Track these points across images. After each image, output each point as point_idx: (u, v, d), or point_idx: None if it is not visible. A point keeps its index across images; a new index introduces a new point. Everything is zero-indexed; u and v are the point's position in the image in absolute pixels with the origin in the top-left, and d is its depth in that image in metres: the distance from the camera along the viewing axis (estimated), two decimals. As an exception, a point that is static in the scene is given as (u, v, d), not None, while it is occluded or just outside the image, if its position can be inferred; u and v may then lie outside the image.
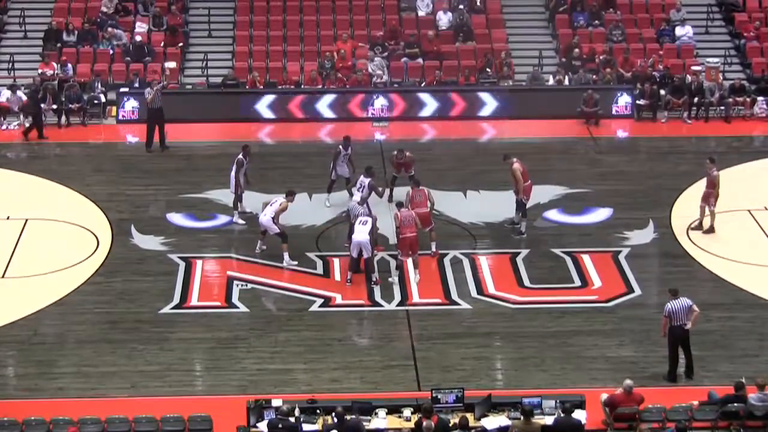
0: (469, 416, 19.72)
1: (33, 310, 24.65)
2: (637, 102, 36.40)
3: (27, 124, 34.56)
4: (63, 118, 35.49)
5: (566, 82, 37.18)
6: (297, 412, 19.82)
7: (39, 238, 27.89)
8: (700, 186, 30.73)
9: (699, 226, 28.07)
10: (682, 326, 21.73)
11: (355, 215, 26.23)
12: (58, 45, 37.99)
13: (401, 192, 27.92)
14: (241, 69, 37.67)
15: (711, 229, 27.92)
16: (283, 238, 26.36)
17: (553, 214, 29.27)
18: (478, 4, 40.25)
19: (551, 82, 37.35)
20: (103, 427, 19.70)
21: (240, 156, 28.50)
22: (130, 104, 35.68)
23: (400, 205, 26.35)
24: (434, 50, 38.55)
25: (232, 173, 28.49)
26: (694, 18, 40.27)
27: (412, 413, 19.92)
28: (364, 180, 27.31)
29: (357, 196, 27.18)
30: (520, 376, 22.43)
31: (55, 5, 39.99)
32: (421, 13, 40.29)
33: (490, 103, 36.18)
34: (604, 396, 20.46)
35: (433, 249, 26.87)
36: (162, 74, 36.73)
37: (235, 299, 25.19)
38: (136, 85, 36.08)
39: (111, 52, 38.07)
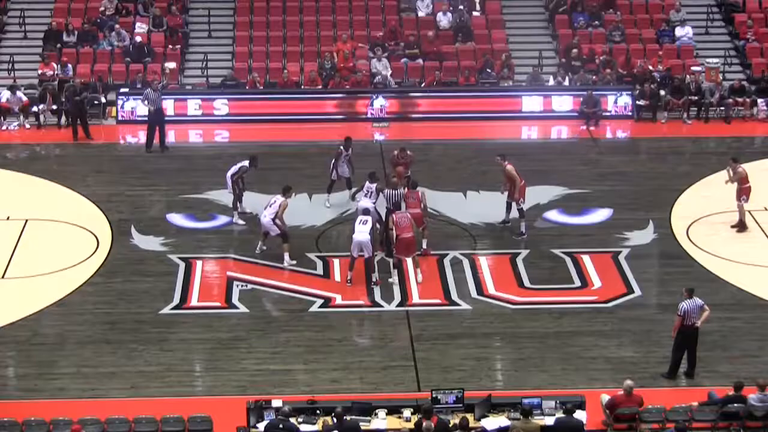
0: (469, 417, 19.71)
1: (33, 310, 24.64)
2: (637, 102, 36.42)
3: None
4: (63, 119, 35.49)
5: (566, 82, 37.20)
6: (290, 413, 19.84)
7: (39, 238, 27.89)
8: (699, 186, 30.87)
9: (739, 225, 28.21)
10: (692, 325, 21.77)
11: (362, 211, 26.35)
12: (58, 45, 37.99)
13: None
14: (241, 70, 37.70)
15: (740, 224, 28.05)
16: (285, 239, 26.36)
17: (553, 215, 29.27)
18: (477, 7, 40.26)
19: (551, 82, 37.37)
20: (103, 427, 19.70)
21: (245, 164, 28.47)
22: (130, 105, 35.70)
23: (397, 206, 26.38)
24: (434, 51, 38.56)
25: (229, 173, 28.46)
26: (694, 18, 40.28)
27: (412, 414, 19.92)
28: (371, 186, 27.20)
29: (367, 202, 26.98)
30: (520, 376, 22.43)
31: (55, 5, 40.00)
32: (421, 14, 40.31)
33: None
34: (605, 398, 20.47)
35: (424, 246, 26.83)
36: (162, 75, 36.74)
37: (235, 300, 25.19)
38: (139, 85, 36.08)
39: (110, 49, 38.06)
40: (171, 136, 34.38)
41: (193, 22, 40.24)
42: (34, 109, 35.43)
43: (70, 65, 37.08)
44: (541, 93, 36.64)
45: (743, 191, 27.96)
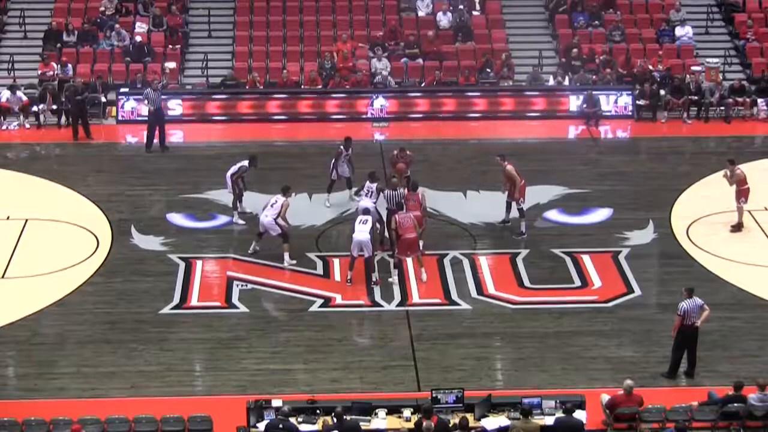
0: (469, 416, 19.72)
1: (33, 310, 24.64)
2: (637, 102, 36.42)
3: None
4: (63, 119, 35.50)
5: (566, 82, 37.20)
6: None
7: (39, 238, 27.89)
8: (699, 186, 30.86)
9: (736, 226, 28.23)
10: (692, 325, 21.77)
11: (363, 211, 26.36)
12: (58, 45, 37.99)
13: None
14: (241, 69, 37.70)
15: (738, 226, 28.03)
16: (285, 239, 26.37)
17: (553, 215, 29.27)
18: (477, 7, 40.28)
19: (551, 82, 37.38)
20: (103, 427, 19.71)
21: (245, 163, 28.48)
22: (130, 104, 35.70)
23: (399, 206, 26.40)
24: (434, 50, 38.57)
25: (229, 173, 28.49)
26: (694, 18, 40.29)
27: (412, 413, 19.92)
28: (371, 186, 27.23)
29: (367, 202, 26.97)
30: (520, 376, 22.43)
31: (55, 5, 40.01)
32: (421, 14, 40.31)
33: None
34: (605, 397, 20.47)
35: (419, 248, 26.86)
36: (162, 74, 36.75)
37: (235, 299, 25.19)
38: (139, 85, 36.09)
39: (110, 49, 38.07)
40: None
41: (193, 22, 40.24)
42: (34, 108, 35.44)
43: (69, 65, 37.07)
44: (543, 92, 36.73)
45: (742, 193, 27.95)
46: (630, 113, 36.52)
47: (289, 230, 26.53)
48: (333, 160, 29.46)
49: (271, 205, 26.50)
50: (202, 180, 31.04)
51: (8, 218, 28.79)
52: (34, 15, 39.72)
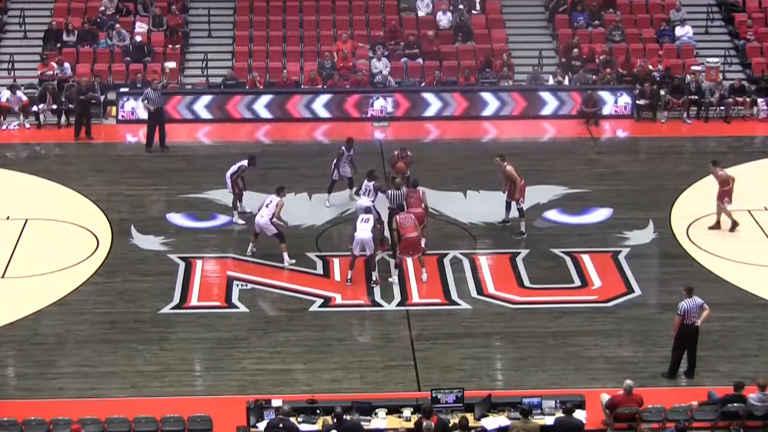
0: (469, 416, 19.72)
1: (33, 310, 24.64)
2: (637, 102, 36.42)
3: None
4: (63, 118, 35.50)
5: (566, 82, 37.19)
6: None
7: (39, 238, 27.89)
8: (699, 186, 30.87)
9: (716, 225, 28.16)
10: (692, 324, 21.77)
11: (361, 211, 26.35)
12: (58, 45, 37.99)
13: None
14: (241, 69, 37.70)
15: (734, 225, 28.03)
16: (281, 239, 26.36)
17: (553, 214, 29.27)
18: (477, 7, 40.29)
19: (551, 82, 37.37)
20: (103, 427, 19.70)
21: (245, 163, 28.50)
22: (130, 104, 35.69)
23: (401, 207, 26.41)
24: (434, 50, 38.56)
25: (228, 173, 28.51)
26: (694, 18, 40.30)
27: (412, 413, 19.92)
28: (369, 184, 27.26)
29: (365, 200, 27.01)
30: (520, 376, 22.43)
31: (55, 5, 40.00)
32: (421, 13, 40.31)
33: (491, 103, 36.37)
34: (605, 397, 20.47)
35: (422, 245, 26.80)
36: (162, 74, 36.74)
37: (234, 299, 25.19)
38: (139, 85, 36.07)
39: (110, 49, 38.05)
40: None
41: (193, 22, 40.24)
42: (34, 108, 35.44)
43: (67, 64, 37.03)
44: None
45: (725, 193, 27.88)
46: (630, 113, 36.53)
47: (285, 230, 26.51)
48: (335, 161, 29.47)
49: (266, 206, 26.48)
50: (202, 180, 31.04)
51: (8, 218, 28.79)
52: (34, 15, 39.71)
